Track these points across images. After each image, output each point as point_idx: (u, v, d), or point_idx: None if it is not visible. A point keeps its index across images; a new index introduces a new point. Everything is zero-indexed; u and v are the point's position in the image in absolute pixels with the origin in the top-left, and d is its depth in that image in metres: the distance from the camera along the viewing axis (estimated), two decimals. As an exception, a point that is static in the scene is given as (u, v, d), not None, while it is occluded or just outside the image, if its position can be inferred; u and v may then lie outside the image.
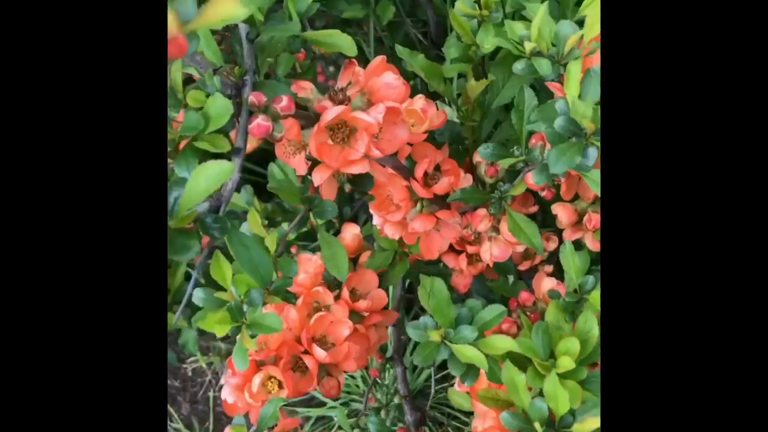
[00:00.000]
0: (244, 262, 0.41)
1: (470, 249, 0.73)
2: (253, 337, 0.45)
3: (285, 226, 0.72)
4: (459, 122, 0.72)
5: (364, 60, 1.04)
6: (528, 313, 0.62)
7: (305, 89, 0.55)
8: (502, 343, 0.53)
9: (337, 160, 0.52)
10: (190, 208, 0.36)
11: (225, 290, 0.46)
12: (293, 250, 1.04)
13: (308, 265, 0.74)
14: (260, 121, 0.45)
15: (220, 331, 0.43)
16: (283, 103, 0.46)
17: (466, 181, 0.66)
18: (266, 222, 0.89)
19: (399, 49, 0.68)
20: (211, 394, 1.29)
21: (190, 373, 1.32)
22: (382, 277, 0.77)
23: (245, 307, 0.46)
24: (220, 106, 0.43)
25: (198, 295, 0.45)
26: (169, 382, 1.31)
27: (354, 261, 0.85)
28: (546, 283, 0.65)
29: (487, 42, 0.59)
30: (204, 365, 1.31)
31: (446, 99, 0.73)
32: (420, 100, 0.64)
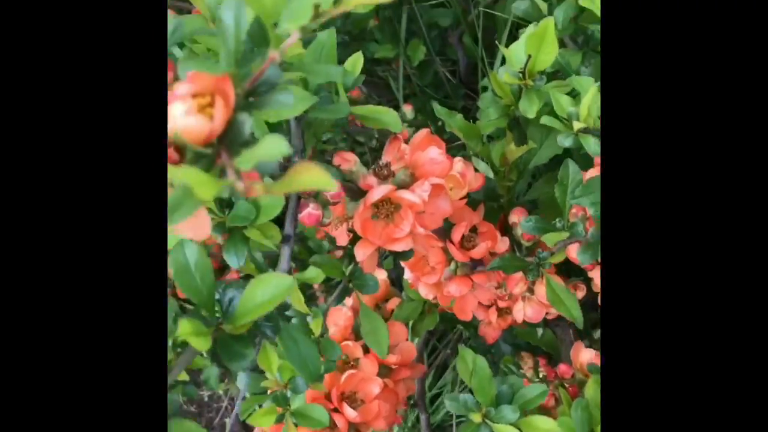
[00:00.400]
0: (293, 357, 0.41)
1: (501, 303, 0.72)
2: (296, 425, 0.45)
3: (314, 271, 0.72)
4: (494, 178, 0.71)
5: (394, 101, 1.03)
6: (566, 386, 0.61)
7: (349, 161, 0.54)
8: (544, 424, 0.52)
9: (380, 237, 0.52)
10: (248, 320, 0.35)
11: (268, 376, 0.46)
12: (316, 288, 1.03)
13: (338, 317, 0.74)
14: (311, 210, 0.45)
15: (266, 422, 0.43)
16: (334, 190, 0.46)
17: (503, 244, 0.65)
18: (293, 265, 0.88)
19: (437, 108, 0.67)
20: (227, 420, 1.29)
21: (206, 399, 1.32)
22: (411, 329, 0.77)
23: (289, 393, 0.45)
24: (272, 196, 0.43)
25: (243, 381, 0.45)
26: (185, 407, 1.31)
27: (377, 305, 0.85)
28: (584, 355, 0.64)
29: (531, 111, 0.58)
30: (221, 391, 1.31)
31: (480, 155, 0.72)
32: (459, 164, 0.64)
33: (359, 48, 0.96)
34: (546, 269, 0.63)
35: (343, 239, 0.56)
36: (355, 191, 0.53)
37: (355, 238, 0.55)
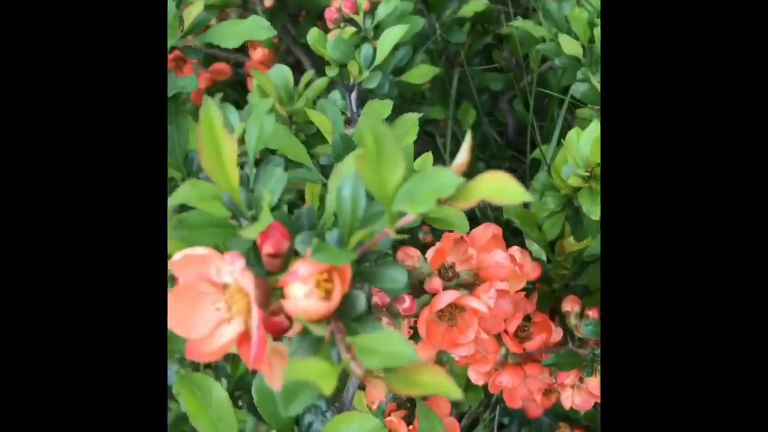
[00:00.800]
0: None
1: (548, 385, 0.72)
2: None
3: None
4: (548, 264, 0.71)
5: (441, 161, 1.04)
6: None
7: (412, 257, 0.54)
8: None
9: (443, 341, 0.52)
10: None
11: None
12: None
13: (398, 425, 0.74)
14: (384, 324, 0.45)
15: None
16: (406, 304, 0.46)
17: (557, 334, 0.65)
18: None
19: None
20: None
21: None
22: (454, 404, 0.77)
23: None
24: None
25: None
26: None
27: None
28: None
29: (595, 213, 0.58)
30: None
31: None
32: (517, 253, 0.64)
33: (411, 109, 0.97)
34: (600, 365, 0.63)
35: (404, 335, 0.56)
36: (417, 288, 0.54)
37: (414, 334, 0.56)
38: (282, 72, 0.66)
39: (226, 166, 0.32)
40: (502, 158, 1.05)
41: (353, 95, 0.58)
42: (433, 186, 0.28)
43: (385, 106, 0.44)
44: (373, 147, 0.27)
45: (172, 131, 0.40)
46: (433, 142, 1.07)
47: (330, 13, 0.70)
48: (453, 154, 1.06)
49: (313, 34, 0.66)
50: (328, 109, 0.46)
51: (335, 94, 0.62)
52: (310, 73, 0.80)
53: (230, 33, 0.44)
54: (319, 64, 1.02)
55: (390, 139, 0.27)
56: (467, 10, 0.89)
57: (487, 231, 0.56)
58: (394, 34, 0.61)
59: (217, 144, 0.32)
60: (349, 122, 0.60)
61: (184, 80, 0.38)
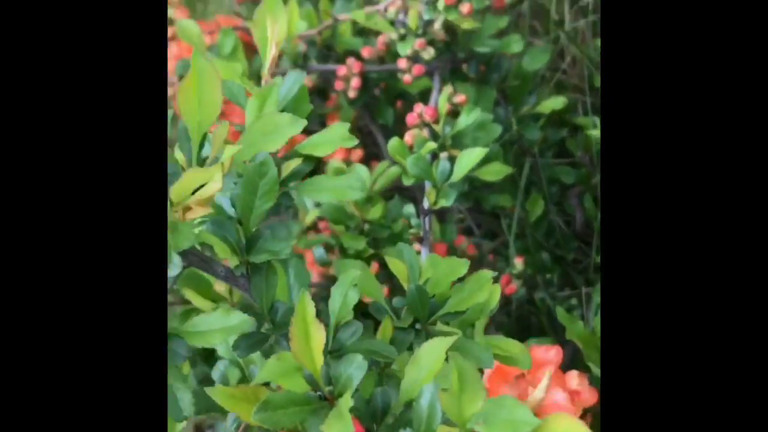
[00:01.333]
0: None
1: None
2: None
3: None
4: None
5: (504, 242, 1.04)
6: None
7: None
8: None
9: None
10: None
11: None
12: None
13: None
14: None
15: None
16: None
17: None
18: None
19: (560, 313, 0.68)
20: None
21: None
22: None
23: None
24: None
25: None
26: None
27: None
28: None
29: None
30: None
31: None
32: (574, 379, 0.64)
33: (479, 196, 0.98)
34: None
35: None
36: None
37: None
38: (359, 175, 0.69)
39: (313, 352, 0.35)
40: (567, 248, 1.05)
41: (428, 218, 0.60)
42: (510, 419, 0.29)
43: (463, 265, 0.46)
44: (457, 382, 0.29)
45: (259, 282, 0.42)
46: (497, 222, 1.08)
47: (411, 118, 0.73)
48: (517, 237, 1.06)
49: (393, 144, 0.68)
50: (406, 253, 0.48)
51: (409, 208, 0.65)
52: (385, 164, 0.82)
53: (320, 143, 0.46)
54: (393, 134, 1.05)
55: (473, 376, 0.28)
56: (545, 107, 0.90)
57: (550, 369, 0.57)
58: (473, 157, 0.63)
59: (307, 333, 0.34)
60: (420, 241, 0.62)
61: (281, 245, 0.40)
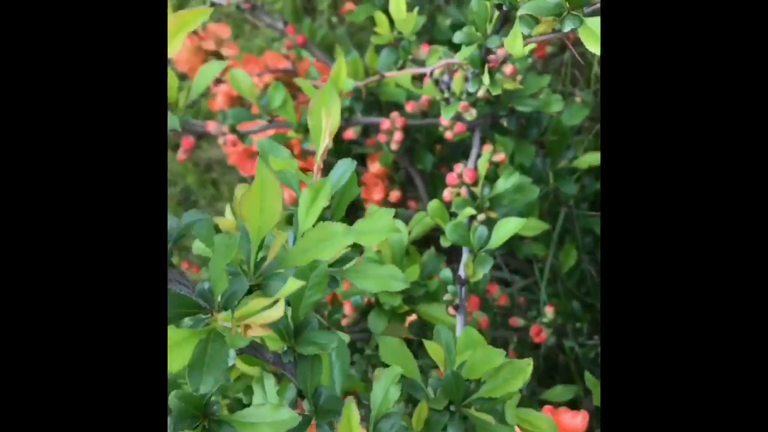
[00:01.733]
0: None
1: None
2: None
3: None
4: None
5: (536, 307, 1.05)
6: None
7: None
8: None
9: None
10: None
11: None
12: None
13: None
14: None
15: None
16: None
17: None
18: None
19: (588, 377, 0.69)
20: None
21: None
22: None
23: None
24: None
25: None
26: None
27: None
28: None
29: None
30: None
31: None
32: (578, 418, 0.66)
33: (513, 245, 0.99)
34: None
35: None
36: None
37: None
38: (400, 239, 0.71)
39: None
40: (598, 297, 1.06)
41: (464, 288, 0.62)
42: None
43: (499, 356, 0.48)
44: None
45: (305, 370, 0.44)
46: (530, 268, 1.09)
47: (451, 179, 0.74)
48: (549, 282, 1.08)
49: (433, 207, 0.70)
50: (443, 335, 0.50)
51: (447, 272, 0.66)
52: (421, 215, 0.84)
53: (367, 231, 0.48)
54: (431, 176, 1.07)
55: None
56: (582, 162, 0.92)
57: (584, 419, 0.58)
58: (511, 228, 0.64)
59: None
60: (456, 308, 0.64)
61: (328, 338, 0.42)
